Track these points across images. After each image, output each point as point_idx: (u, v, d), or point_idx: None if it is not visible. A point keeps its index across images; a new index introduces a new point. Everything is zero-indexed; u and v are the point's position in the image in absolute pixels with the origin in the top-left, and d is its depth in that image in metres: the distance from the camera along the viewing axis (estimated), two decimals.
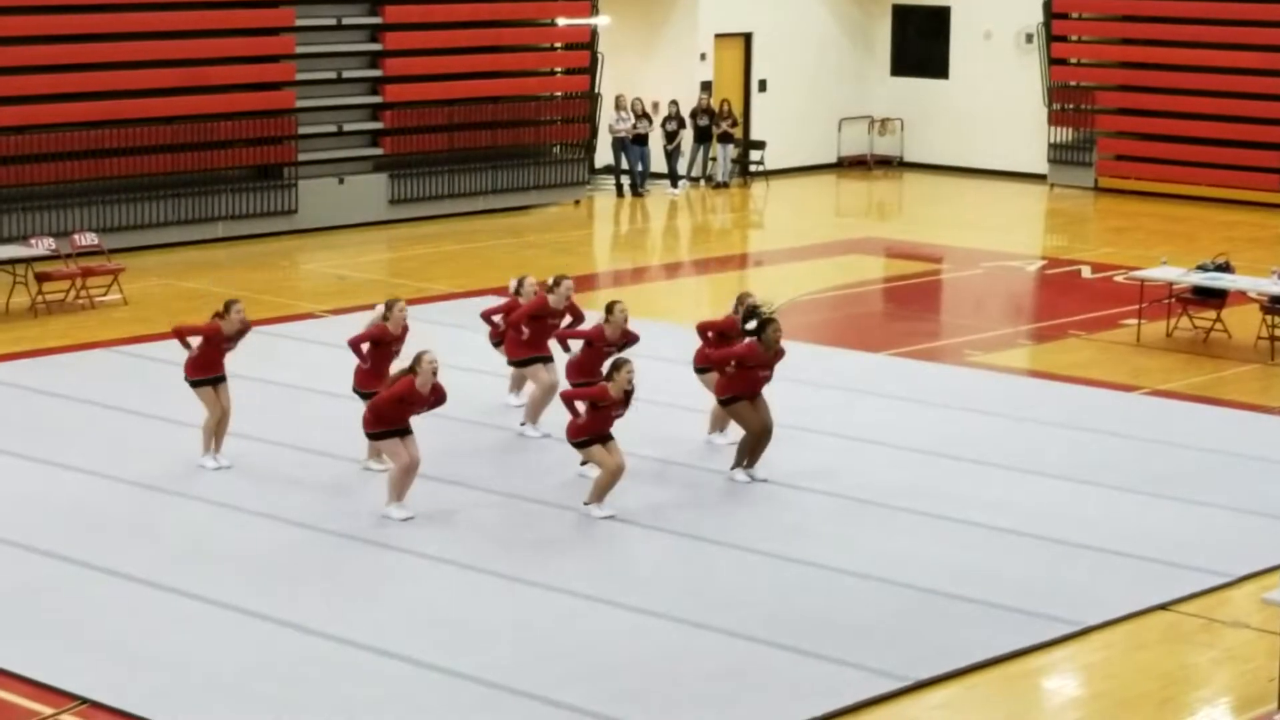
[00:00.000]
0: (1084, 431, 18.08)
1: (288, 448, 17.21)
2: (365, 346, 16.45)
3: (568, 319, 17.68)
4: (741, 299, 17.04)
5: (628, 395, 15.16)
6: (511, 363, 17.86)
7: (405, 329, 16.60)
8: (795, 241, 29.23)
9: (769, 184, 34.81)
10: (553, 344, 17.53)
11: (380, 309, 16.55)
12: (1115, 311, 23.56)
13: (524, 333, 17.43)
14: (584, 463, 15.84)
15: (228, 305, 16.57)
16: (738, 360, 16.11)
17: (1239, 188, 32.32)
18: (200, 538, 14.90)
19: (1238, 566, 14.46)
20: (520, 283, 18.17)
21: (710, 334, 17.03)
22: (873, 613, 13.46)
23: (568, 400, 15.31)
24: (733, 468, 16.42)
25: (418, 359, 15.08)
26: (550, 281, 17.62)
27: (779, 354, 16.31)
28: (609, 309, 16.93)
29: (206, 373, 16.45)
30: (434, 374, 15.07)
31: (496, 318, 18.00)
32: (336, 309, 22.94)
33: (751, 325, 16.31)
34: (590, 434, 15.15)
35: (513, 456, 17.14)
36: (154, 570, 14.05)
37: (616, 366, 15.21)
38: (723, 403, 16.38)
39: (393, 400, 15.02)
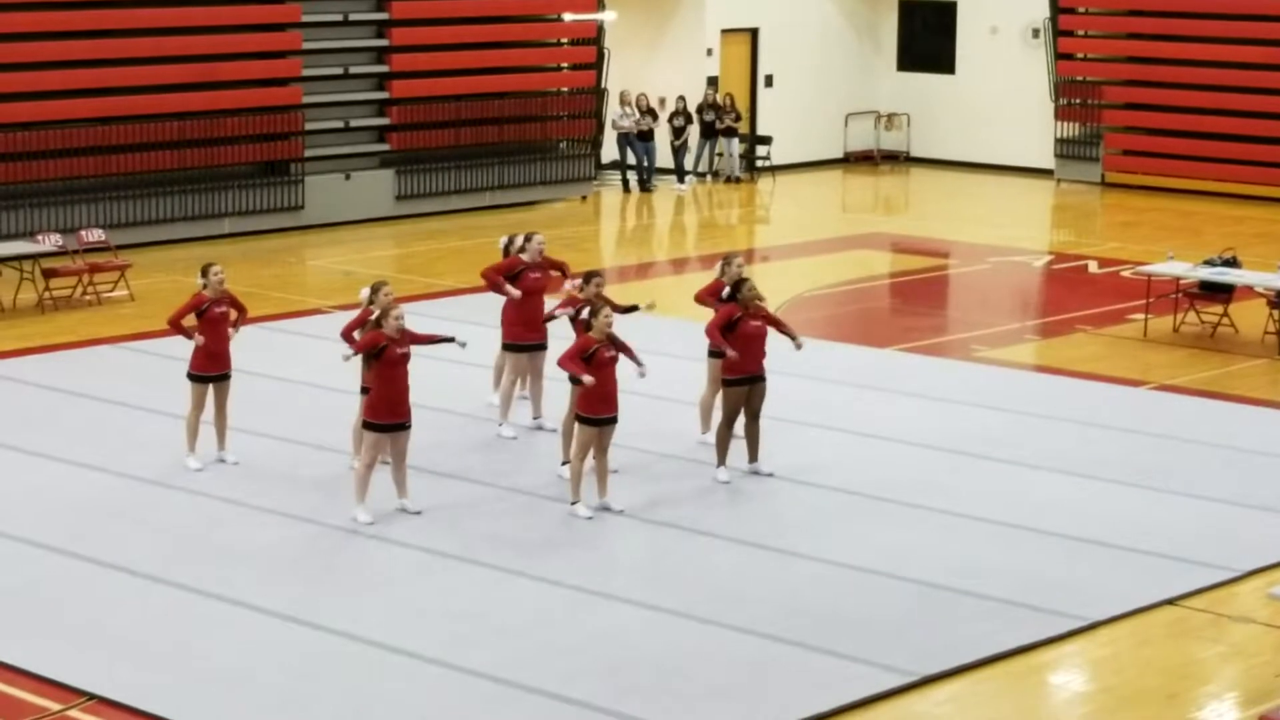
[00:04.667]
0: (1091, 426, 18.07)
1: (295, 443, 17.23)
2: (356, 333, 16.31)
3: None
4: (729, 258, 17.01)
5: (612, 337, 15.30)
6: (506, 346, 17.73)
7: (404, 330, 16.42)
8: (802, 237, 29.21)
9: (775, 179, 34.81)
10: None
11: (365, 293, 16.43)
12: (1122, 306, 23.55)
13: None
14: (565, 463, 15.89)
15: (205, 269, 16.57)
16: (728, 320, 16.09)
17: (1246, 183, 32.30)
18: (207, 533, 14.91)
19: (1244, 561, 14.46)
20: (510, 241, 18.14)
21: (709, 300, 17.05)
22: (879, 608, 13.46)
23: (565, 366, 15.29)
24: (718, 466, 16.33)
25: (384, 312, 15.11)
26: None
27: (761, 309, 16.31)
28: (586, 278, 16.80)
29: (208, 368, 16.42)
30: (399, 324, 15.06)
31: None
32: (343, 305, 22.94)
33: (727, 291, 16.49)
34: (597, 398, 15.13)
35: (515, 450, 17.14)
36: (161, 566, 14.07)
37: (594, 313, 15.35)
38: (726, 382, 16.34)
39: (369, 355, 14.96)
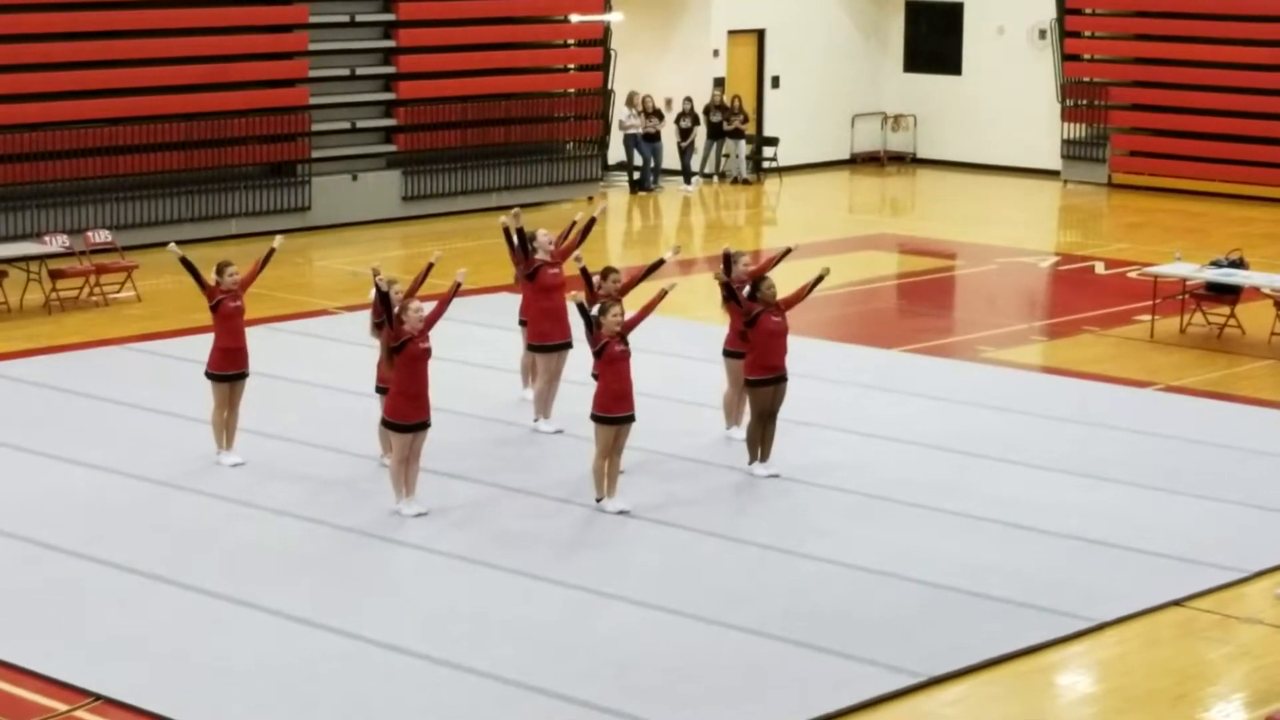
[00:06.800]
0: (1097, 427, 18.06)
1: (302, 444, 17.23)
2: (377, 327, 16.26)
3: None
4: (735, 256, 16.99)
5: (620, 331, 15.26)
6: (530, 347, 17.78)
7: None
8: (808, 238, 29.13)
9: (782, 180, 34.81)
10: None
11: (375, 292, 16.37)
12: (1129, 307, 23.54)
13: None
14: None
15: (220, 268, 16.54)
16: (749, 317, 16.08)
17: (1253, 183, 32.28)
18: (214, 534, 14.91)
19: (1252, 562, 14.45)
20: (533, 237, 18.09)
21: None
22: (887, 609, 13.46)
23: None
24: (750, 462, 16.41)
25: (403, 307, 15.10)
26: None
27: (779, 305, 16.31)
28: (604, 275, 16.90)
29: (227, 367, 16.42)
30: (419, 317, 15.09)
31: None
32: (350, 305, 22.96)
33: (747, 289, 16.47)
34: (612, 397, 15.15)
35: (526, 452, 17.14)
36: (168, 566, 14.07)
37: (603, 311, 15.33)
38: (749, 383, 16.35)
39: (391, 349, 14.95)
